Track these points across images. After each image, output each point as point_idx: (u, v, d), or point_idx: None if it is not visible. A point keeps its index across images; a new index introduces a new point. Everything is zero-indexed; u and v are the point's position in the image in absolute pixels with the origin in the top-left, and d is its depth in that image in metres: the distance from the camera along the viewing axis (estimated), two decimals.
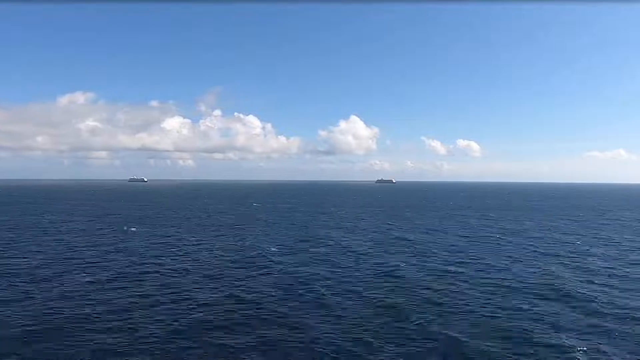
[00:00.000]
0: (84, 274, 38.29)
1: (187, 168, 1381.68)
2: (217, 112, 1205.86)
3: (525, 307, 29.49)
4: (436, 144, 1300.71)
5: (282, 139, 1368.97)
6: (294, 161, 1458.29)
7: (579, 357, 21.81)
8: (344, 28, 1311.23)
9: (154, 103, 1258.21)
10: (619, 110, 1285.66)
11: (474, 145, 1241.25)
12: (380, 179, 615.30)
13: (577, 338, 24.16)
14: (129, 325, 25.78)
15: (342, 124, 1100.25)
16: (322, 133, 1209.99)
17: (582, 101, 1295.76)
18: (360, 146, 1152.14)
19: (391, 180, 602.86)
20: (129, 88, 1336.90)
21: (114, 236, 62.47)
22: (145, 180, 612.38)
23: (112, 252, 49.65)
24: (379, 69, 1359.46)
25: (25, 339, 23.69)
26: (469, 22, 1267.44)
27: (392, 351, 22.55)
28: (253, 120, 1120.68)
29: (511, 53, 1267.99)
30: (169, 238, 61.28)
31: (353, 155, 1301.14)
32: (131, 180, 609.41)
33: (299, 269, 41.41)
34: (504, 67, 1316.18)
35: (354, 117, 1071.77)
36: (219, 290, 33.57)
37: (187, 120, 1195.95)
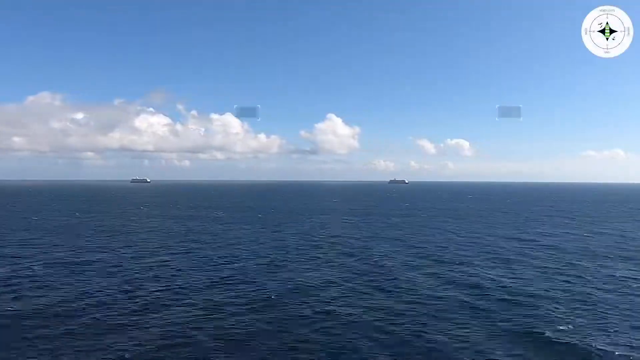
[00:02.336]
0: None
1: (183, 168, 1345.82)
2: (194, 112, 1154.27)
3: None
4: (424, 143, 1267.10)
5: (262, 137, 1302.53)
6: (287, 161, 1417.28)
7: None
8: (324, 25, 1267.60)
9: (131, 101, 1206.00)
10: (617, 110, 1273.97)
11: (465, 144, 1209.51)
12: (393, 179, 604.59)
13: None
14: None
15: (324, 124, 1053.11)
16: (303, 132, 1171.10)
17: (581, 100, 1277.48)
18: (344, 145, 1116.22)
19: (404, 181, 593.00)
20: (95, 87, 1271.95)
21: None
22: (148, 180, 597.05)
23: None
24: (359, 67, 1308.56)
25: None
26: (461, 17, 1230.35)
27: None
28: (230, 118, 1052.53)
29: (507, 51, 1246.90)
30: None
31: (350, 155, 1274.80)
32: (133, 181, 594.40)
33: None
34: (502, 65, 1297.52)
35: (331, 116, 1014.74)
36: None
37: (167, 119, 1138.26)
